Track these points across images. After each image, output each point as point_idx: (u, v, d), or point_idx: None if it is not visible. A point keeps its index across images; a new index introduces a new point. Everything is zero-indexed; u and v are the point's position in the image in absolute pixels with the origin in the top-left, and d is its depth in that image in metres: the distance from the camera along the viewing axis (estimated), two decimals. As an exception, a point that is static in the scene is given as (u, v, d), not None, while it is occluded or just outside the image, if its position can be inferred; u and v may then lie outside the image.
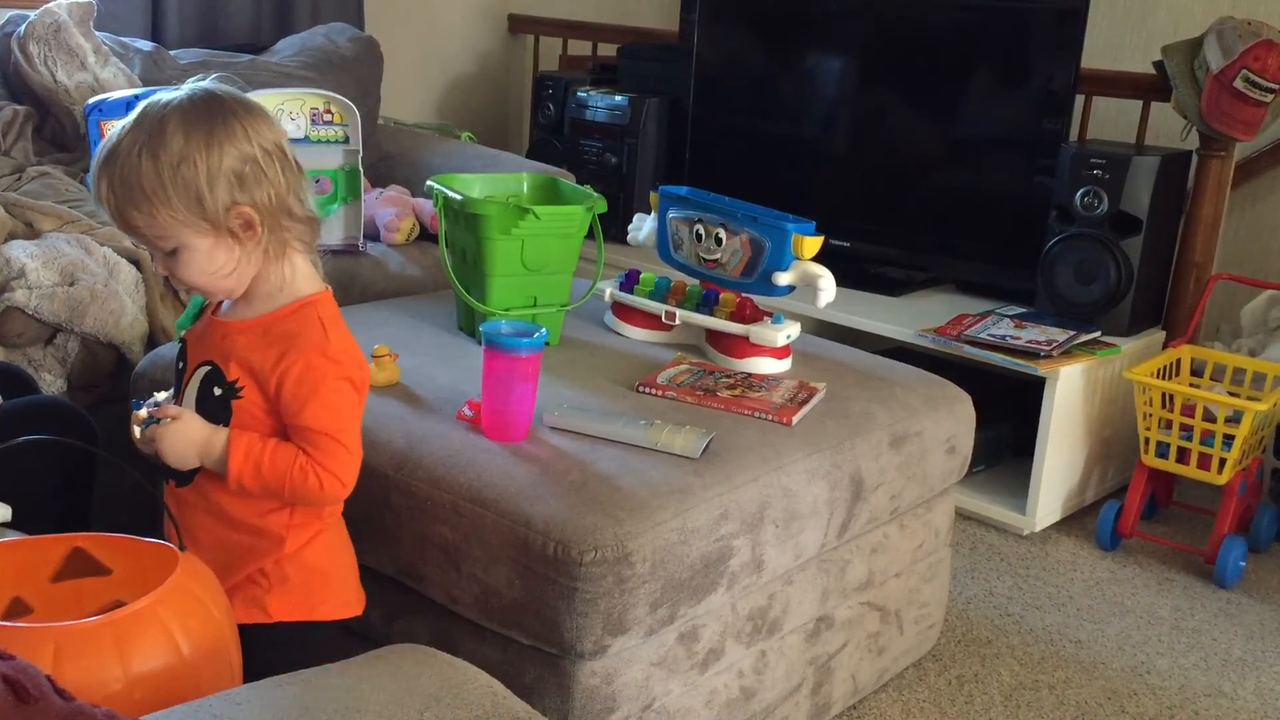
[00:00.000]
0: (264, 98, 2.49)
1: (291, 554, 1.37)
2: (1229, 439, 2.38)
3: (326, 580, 1.40)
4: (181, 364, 1.40)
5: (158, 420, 1.32)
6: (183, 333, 1.43)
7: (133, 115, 1.26)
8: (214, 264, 1.29)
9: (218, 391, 1.33)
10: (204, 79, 1.31)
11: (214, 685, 0.82)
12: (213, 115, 1.25)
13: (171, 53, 2.90)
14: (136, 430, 1.34)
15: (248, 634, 1.22)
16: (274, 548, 1.36)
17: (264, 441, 1.31)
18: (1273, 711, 2.01)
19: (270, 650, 1.22)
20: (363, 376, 1.35)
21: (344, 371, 1.32)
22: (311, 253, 1.38)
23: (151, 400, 1.39)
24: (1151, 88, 2.79)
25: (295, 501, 1.34)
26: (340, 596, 1.43)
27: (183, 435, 1.31)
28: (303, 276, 1.36)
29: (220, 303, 1.39)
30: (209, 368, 1.34)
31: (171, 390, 1.43)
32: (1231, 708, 2.02)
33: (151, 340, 2.14)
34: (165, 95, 1.27)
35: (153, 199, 1.23)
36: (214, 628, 0.91)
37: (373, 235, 2.70)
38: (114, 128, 1.27)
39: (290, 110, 2.51)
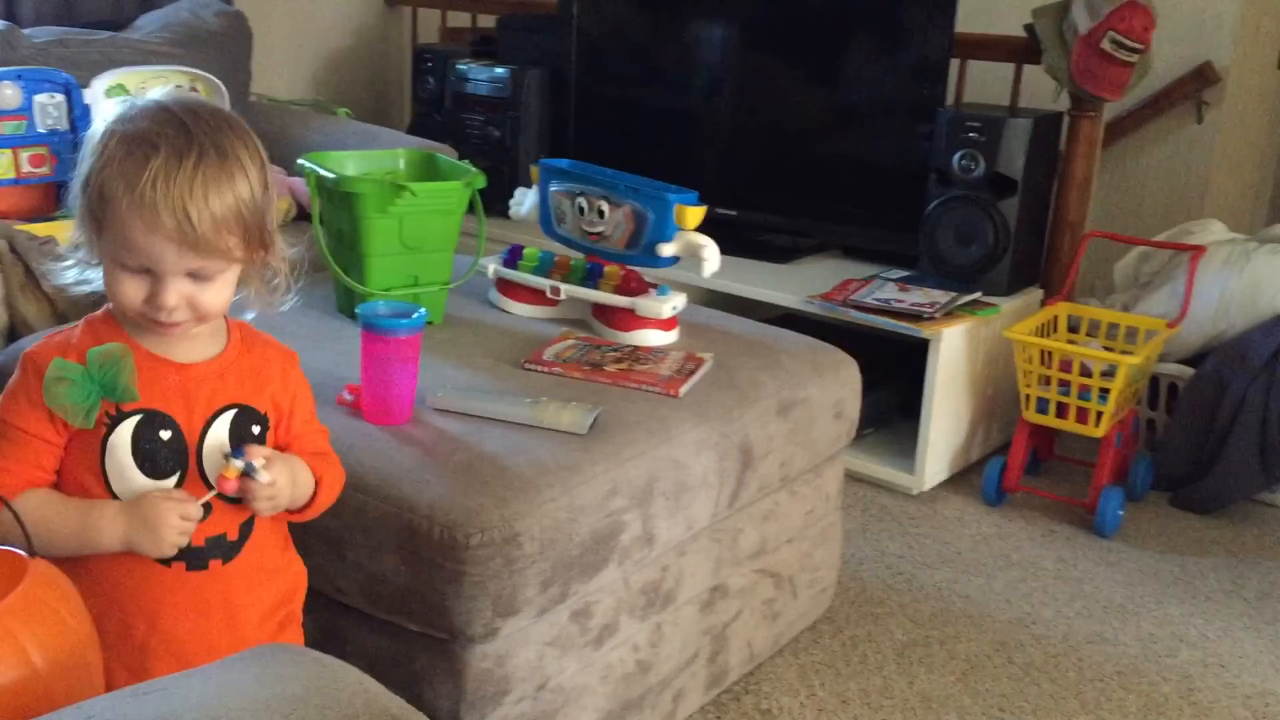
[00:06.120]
0: (126, 76, 2.41)
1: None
2: (1105, 393, 2.45)
3: None
4: (147, 418, 1.18)
5: (252, 470, 1.16)
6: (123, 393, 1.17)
7: None
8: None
9: (257, 429, 1.23)
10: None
11: (72, 697, 0.79)
12: None
13: (25, 31, 2.76)
14: (230, 484, 1.16)
15: None
16: (302, 578, 1.34)
17: (298, 455, 1.26)
18: (1152, 655, 2.09)
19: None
20: None
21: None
22: None
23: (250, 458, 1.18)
24: (1024, 50, 2.84)
25: (330, 504, 1.30)
26: None
27: (293, 472, 1.22)
28: None
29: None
30: (238, 409, 1.21)
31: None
32: (1114, 653, 2.09)
33: (12, 333, 2.05)
34: None
35: None
36: (70, 637, 0.86)
37: (248, 217, 2.62)
38: None
39: (154, 89, 2.42)
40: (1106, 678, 2.01)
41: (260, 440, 1.23)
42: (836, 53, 2.97)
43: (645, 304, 1.90)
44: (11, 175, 2.30)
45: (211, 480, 1.18)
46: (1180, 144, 3.20)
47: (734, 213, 3.03)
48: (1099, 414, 2.47)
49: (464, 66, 3.49)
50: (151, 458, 1.17)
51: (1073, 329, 2.71)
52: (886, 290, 2.71)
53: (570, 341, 1.86)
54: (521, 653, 1.45)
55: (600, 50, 3.31)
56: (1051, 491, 2.65)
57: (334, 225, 1.90)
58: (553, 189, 2.04)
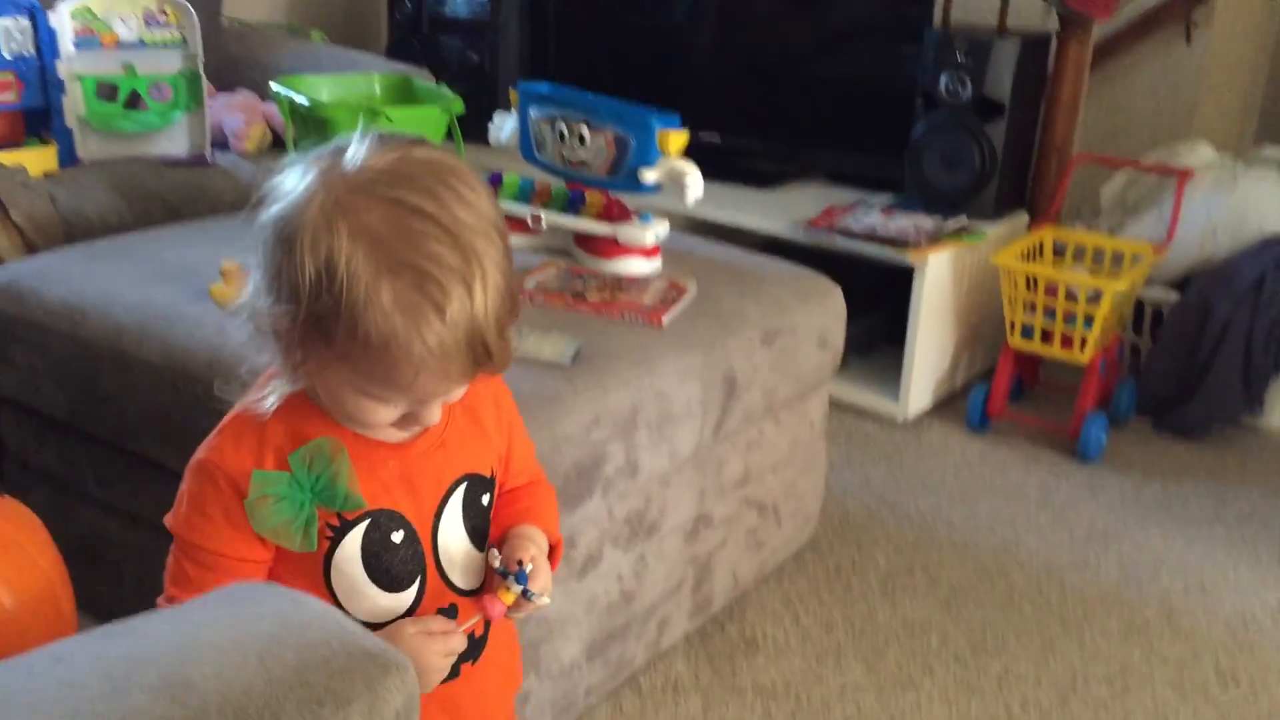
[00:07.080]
0: (93, 0, 2.33)
1: None
2: (1090, 319, 2.44)
3: None
4: (379, 520, 0.99)
5: (525, 587, 1.00)
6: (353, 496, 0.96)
7: None
8: None
9: (486, 499, 1.06)
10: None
11: (44, 636, 0.77)
12: None
13: (-14, -48, 2.67)
14: (497, 609, 1.00)
15: None
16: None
17: (522, 506, 1.11)
18: (1133, 579, 2.10)
19: None
20: None
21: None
22: None
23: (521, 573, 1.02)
24: (1012, -31, 2.78)
25: None
26: None
27: (547, 562, 1.07)
28: None
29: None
30: (466, 482, 1.04)
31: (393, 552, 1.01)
32: (1095, 579, 2.10)
33: (-18, 265, 2.01)
34: None
35: None
36: (39, 576, 0.84)
37: (221, 144, 2.56)
38: None
39: (121, 13, 2.35)
40: (1088, 602, 2.03)
41: (489, 508, 1.07)
42: (822, -28, 2.91)
43: (627, 231, 1.87)
44: (-24, 103, 2.24)
45: (451, 577, 1.03)
46: (1169, 65, 3.16)
47: (717, 138, 2.98)
48: (1084, 340, 2.46)
49: (441, -12, 3.40)
50: (387, 569, 0.98)
51: (1059, 253, 2.68)
52: (872, 216, 2.68)
53: (552, 270, 1.83)
54: (505, 584, 1.45)
55: (580, -29, 3.24)
56: (1035, 418, 2.65)
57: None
58: (532, 114, 2.00)
